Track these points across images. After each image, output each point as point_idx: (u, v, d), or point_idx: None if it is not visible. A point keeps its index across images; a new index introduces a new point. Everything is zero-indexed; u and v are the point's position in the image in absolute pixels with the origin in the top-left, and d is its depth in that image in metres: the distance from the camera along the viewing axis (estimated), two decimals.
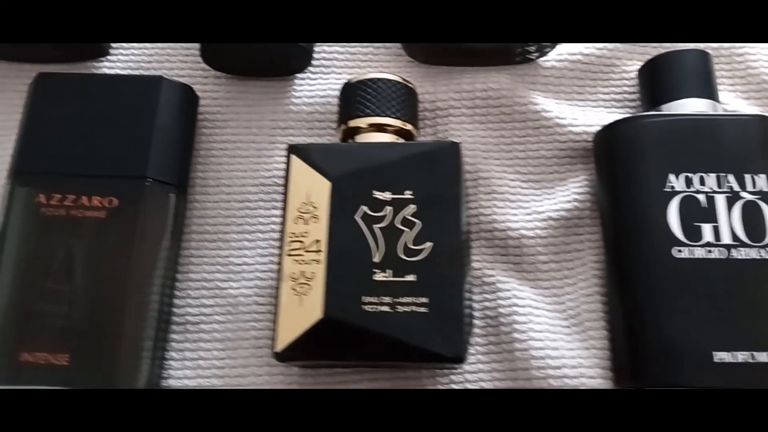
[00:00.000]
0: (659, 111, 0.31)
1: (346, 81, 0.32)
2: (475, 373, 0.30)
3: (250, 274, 0.31)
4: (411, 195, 0.27)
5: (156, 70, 0.35)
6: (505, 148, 0.33)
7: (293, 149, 0.29)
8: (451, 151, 0.28)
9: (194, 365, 0.30)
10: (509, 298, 0.30)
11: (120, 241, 0.29)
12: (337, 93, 0.34)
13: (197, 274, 0.31)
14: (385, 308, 0.26)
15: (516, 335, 0.29)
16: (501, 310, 0.30)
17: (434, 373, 0.30)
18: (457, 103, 0.33)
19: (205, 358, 0.30)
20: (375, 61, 0.35)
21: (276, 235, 0.32)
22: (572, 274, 0.31)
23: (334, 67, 0.35)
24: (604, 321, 0.29)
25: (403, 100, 0.31)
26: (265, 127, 0.34)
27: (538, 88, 0.34)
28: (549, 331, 0.29)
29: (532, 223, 0.31)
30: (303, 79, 0.35)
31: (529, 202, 0.32)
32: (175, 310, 0.31)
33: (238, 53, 0.32)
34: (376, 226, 0.27)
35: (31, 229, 0.29)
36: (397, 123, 0.30)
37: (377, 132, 0.30)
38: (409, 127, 0.30)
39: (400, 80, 0.31)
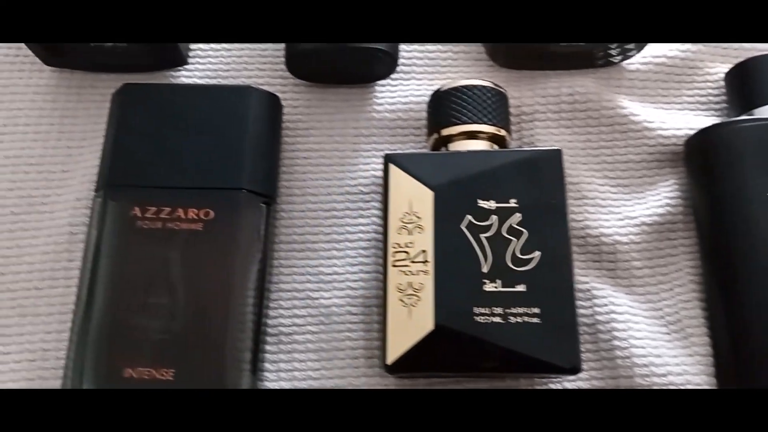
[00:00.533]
0: (752, 115, 0.31)
1: (436, 89, 0.31)
2: (574, 381, 0.29)
3: (341, 284, 0.31)
4: (516, 203, 0.27)
5: (234, 78, 0.35)
6: (592, 153, 0.33)
7: (391, 158, 0.29)
8: (554, 157, 0.28)
9: (289, 376, 0.30)
10: (606, 305, 0.30)
11: (217, 253, 0.28)
12: (419, 99, 0.33)
13: (288, 284, 0.31)
14: (497, 319, 0.26)
15: (616, 342, 0.29)
16: (598, 317, 0.30)
17: (533, 382, 0.29)
18: (543, 107, 0.33)
19: (300, 369, 0.30)
20: (455, 66, 0.35)
21: (364, 244, 0.32)
22: (667, 279, 0.31)
23: (414, 74, 0.34)
24: (705, 327, 0.29)
25: (496, 107, 0.30)
26: (348, 134, 0.33)
27: (623, 92, 0.34)
28: (649, 338, 0.29)
29: (626, 229, 0.31)
30: (383, 86, 0.34)
31: (620, 207, 0.32)
32: (268, 321, 0.30)
33: (325, 60, 0.32)
34: (482, 236, 0.27)
35: (127, 243, 0.29)
36: (491, 129, 0.30)
37: (470, 139, 0.30)
38: (503, 132, 0.30)
39: (492, 86, 0.31)
